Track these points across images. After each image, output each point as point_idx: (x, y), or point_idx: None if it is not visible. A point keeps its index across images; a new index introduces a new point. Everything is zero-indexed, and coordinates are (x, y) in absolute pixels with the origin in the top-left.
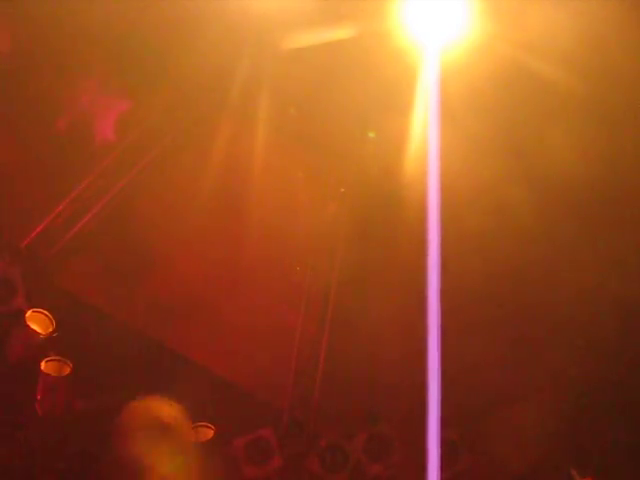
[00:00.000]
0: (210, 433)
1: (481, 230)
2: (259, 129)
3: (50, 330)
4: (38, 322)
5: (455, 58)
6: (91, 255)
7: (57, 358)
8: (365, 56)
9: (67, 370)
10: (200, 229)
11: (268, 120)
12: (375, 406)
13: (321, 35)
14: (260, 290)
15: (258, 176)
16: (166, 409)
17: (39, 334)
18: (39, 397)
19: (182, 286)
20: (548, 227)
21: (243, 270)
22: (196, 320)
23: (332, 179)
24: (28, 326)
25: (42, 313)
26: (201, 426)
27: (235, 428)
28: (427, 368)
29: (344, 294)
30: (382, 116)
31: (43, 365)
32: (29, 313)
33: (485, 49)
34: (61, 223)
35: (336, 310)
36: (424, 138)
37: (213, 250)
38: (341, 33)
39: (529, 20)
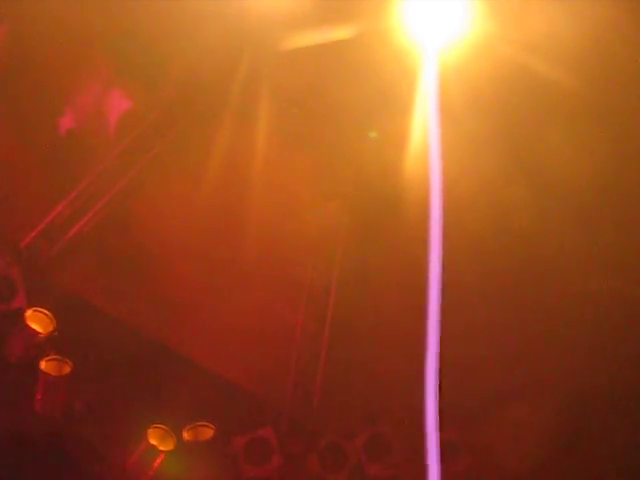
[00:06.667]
0: (210, 433)
1: (482, 229)
2: (259, 129)
3: (50, 329)
4: (38, 321)
5: (455, 58)
6: (91, 255)
7: (57, 357)
8: (365, 56)
9: (67, 369)
10: (200, 229)
11: (268, 120)
12: (375, 406)
13: (321, 35)
14: (260, 290)
15: (258, 176)
16: None
17: (39, 333)
18: (39, 396)
19: (182, 285)
20: (548, 227)
21: (243, 270)
22: (196, 320)
23: (332, 179)
24: (28, 325)
25: (42, 312)
26: (201, 426)
27: (235, 428)
28: (427, 368)
29: (344, 294)
30: (382, 116)
31: (43, 364)
32: (29, 312)
33: (485, 49)
34: (61, 223)
35: (336, 310)
36: (424, 138)
37: (213, 250)
38: (341, 33)
39: (529, 20)
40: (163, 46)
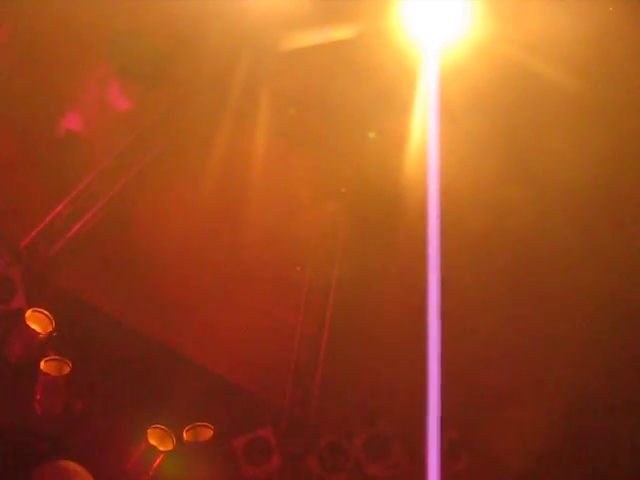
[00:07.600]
0: (210, 433)
1: (481, 230)
2: (259, 129)
3: (50, 330)
4: (38, 322)
5: (455, 58)
6: (91, 255)
7: (56, 358)
8: (365, 56)
9: (66, 370)
10: (200, 229)
11: (268, 120)
12: (375, 406)
13: (321, 35)
14: (260, 290)
15: (258, 176)
16: None
17: (39, 334)
18: (38, 397)
19: (182, 286)
20: (548, 227)
21: (243, 270)
22: (196, 320)
23: (332, 179)
24: (28, 326)
25: (42, 313)
26: (201, 426)
27: (235, 428)
28: (427, 368)
29: (344, 294)
30: (382, 116)
31: (42, 365)
32: (29, 313)
33: (485, 49)
34: (61, 223)
35: (336, 310)
36: (424, 138)
37: (213, 250)
38: (341, 33)
39: (529, 21)
40: (163, 46)
